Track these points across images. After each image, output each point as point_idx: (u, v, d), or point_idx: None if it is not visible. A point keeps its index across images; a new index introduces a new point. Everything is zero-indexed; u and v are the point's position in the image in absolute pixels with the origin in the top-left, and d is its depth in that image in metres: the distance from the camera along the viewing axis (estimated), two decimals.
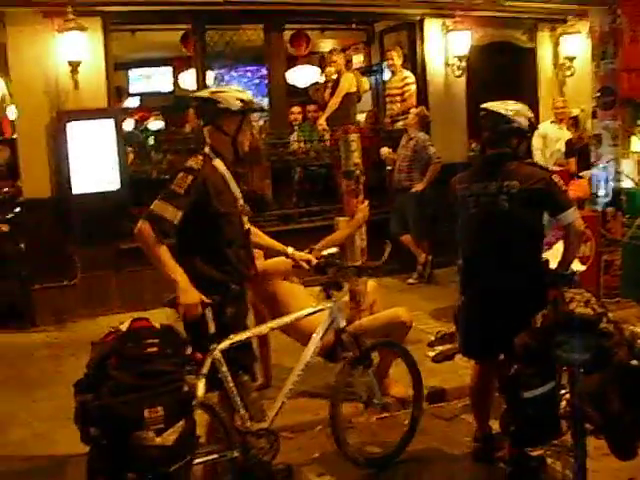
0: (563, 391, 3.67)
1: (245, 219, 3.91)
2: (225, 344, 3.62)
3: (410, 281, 8.71)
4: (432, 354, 5.91)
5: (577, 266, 4.37)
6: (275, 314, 5.08)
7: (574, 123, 9.57)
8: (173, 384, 3.17)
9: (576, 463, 3.60)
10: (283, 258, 5.09)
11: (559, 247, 4.22)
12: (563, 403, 3.67)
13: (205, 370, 3.51)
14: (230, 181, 3.83)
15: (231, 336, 3.67)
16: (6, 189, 8.31)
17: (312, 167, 9.35)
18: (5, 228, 7.67)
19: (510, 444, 4.04)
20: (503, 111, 4.12)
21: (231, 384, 3.68)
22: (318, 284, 4.41)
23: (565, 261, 4.07)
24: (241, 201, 3.90)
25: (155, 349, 3.15)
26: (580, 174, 8.19)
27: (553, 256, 4.18)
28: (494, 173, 4.10)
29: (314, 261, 4.30)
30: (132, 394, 3.02)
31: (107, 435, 3.01)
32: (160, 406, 3.06)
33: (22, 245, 7.68)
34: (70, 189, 7.59)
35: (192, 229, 3.65)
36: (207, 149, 3.82)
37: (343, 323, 4.30)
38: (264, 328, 4.21)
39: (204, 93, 3.90)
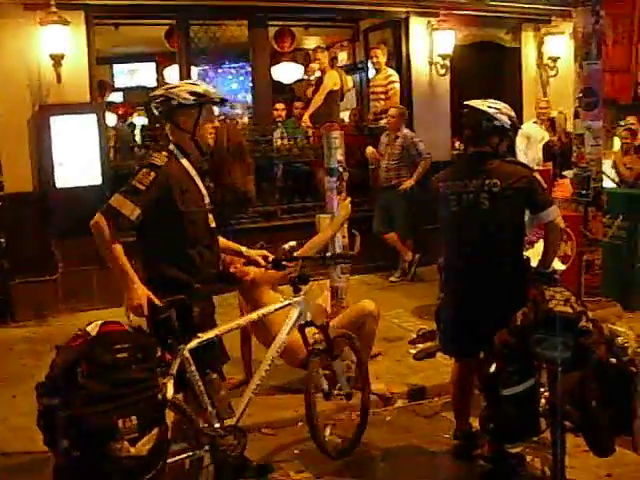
0: (542, 389, 3.70)
1: (211, 217, 3.85)
2: (193, 343, 3.56)
3: (392, 279, 8.71)
4: (413, 351, 5.94)
5: (558, 265, 4.41)
6: (256, 324, 5.10)
7: (551, 125, 9.63)
8: (147, 392, 3.11)
9: (555, 460, 3.63)
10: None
11: (540, 246, 4.24)
12: (542, 401, 3.70)
13: (174, 370, 3.45)
14: (196, 178, 3.78)
15: (199, 335, 3.61)
16: None
17: (295, 164, 9.33)
18: None
19: (490, 441, 4.07)
20: (485, 109, 4.12)
21: (199, 383, 3.63)
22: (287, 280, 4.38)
23: (546, 259, 4.08)
24: (207, 199, 3.84)
25: (126, 354, 3.07)
26: (563, 173, 8.24)
27: (534, 254, 4.20)
28: (476, 171, 4.11)
29: (270, 256, 4.27)
30: (105, 404, 2.94)
31: (79, 447, 2.92)
32: (134, 415, 3.01)
33: (3, 239, 7.62)
34: (53, 183, 7.54)
35: (155, 228, 3.61)
36: (172, 146, 3.76)
37: (309, 317, 4.29)
38: (233, 325, 4.07)
39: (158, 91, 3.81)
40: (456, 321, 4.23)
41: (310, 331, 4.36)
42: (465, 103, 4.24)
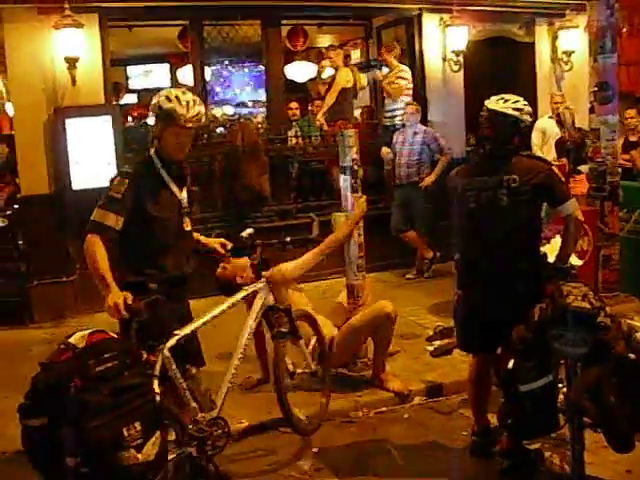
0: (560, 385, 3.68)
1: (187, 221, 3.86)
2: (172, 341, 3.56)
3: (409, 276, 8.68)
4: (431, 349, 5.94)
5: (575, 261, 4.38)
6: None
7: (558, 121, 9.57)
8: (146, 396, 3.12)
9: (573, 456, 3.61)
10: (291, 266, 5.06)
11: (557, 241, 4.22)
12: (560, 397, 3.68)
13: (157, 371, 3.45)
14: (171, 184, 3.77)
15: (176, 332, 3.61)
16: (4, 185, 8.32)
17: (310, 162, 9.33)
18: (2, 223, 7.67)
19: (508, 438, 4.05)
20: (511, 112, 4.06)
21: (181, 380, 3.65)
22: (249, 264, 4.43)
23: (564, 253, 4.06)
24: (185, 202, 3.84)
25: (117, 362, 3.06)
26: (579, 168, 8.19)
27: (551, 250, 4.18)
28: (494, 168, 4.09)
29: (228, 244, 4.26)
30: (108, 414, 2.91)
31: (88, 462, 2.89)
32: (138, 421, 3.00)
33: (21, 242, 7.68)
34: (69, 185, 7.59)
35: (126, 232, 3.61)
36: (152, 151, 3.78)
37: (272, 301, 4.35)
38: (207, 317, 3.90)
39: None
40: (473, 318, 4.22)
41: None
42: (488, 106, 4.17)
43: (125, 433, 2.95)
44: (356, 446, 4.62)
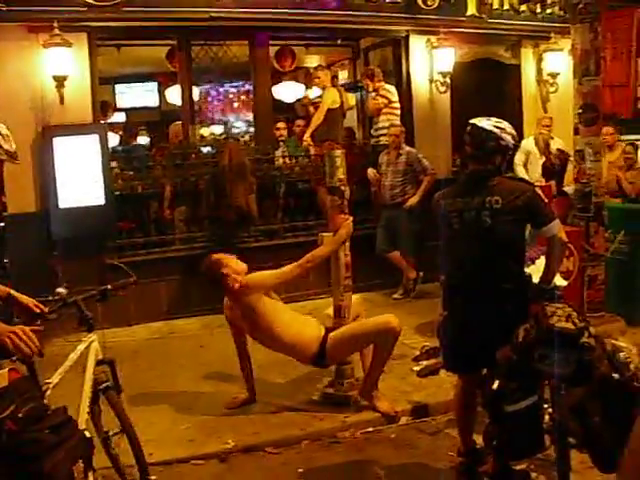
0: (546, 405, 3.70)
1: None
2: (48, 392, 3.20)
3: (395, 296, 8.69)
4: (417, 369, 5.94)
5: (560, 281, 4.41)
6: (256, 329, 5.13)
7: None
8: (80, 432, 2.82)
9: (559, 477, 3.62)
10: (269, 273, 5.16)
11: (541, 262, 4.25)
12: (546, 417, 3.70)
13: None
14: None
15: (48, 381, 3.31)
16: None
17: (297, 182, 9.35)
18: None
19: (494, 458, 4.06)
20: (491, 128, 4.12)
21: None
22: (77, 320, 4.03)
23: (548, 274, 4.08)
24: None
25: (37, 402, 2.70)
26: (563, 189, 8.26)
27: (535, 271, 4.20)
28: (477, 189, 4.12)
29: (43, 307, 3.74)
30: (59, 453, 2.55)
31: None
32: (80, 458, 2.75)
33: (6, 260, 7.64)
34: (56, 204, 7.58)
35: None
36: None
37: (101, 355, 4.00)
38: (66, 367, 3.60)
39: None
40: (458, 338, 4.22)
41: None
42: (470, 122, 4.23)
43: (75, 474, 2.71)
44: (342, 466, 4.61)
